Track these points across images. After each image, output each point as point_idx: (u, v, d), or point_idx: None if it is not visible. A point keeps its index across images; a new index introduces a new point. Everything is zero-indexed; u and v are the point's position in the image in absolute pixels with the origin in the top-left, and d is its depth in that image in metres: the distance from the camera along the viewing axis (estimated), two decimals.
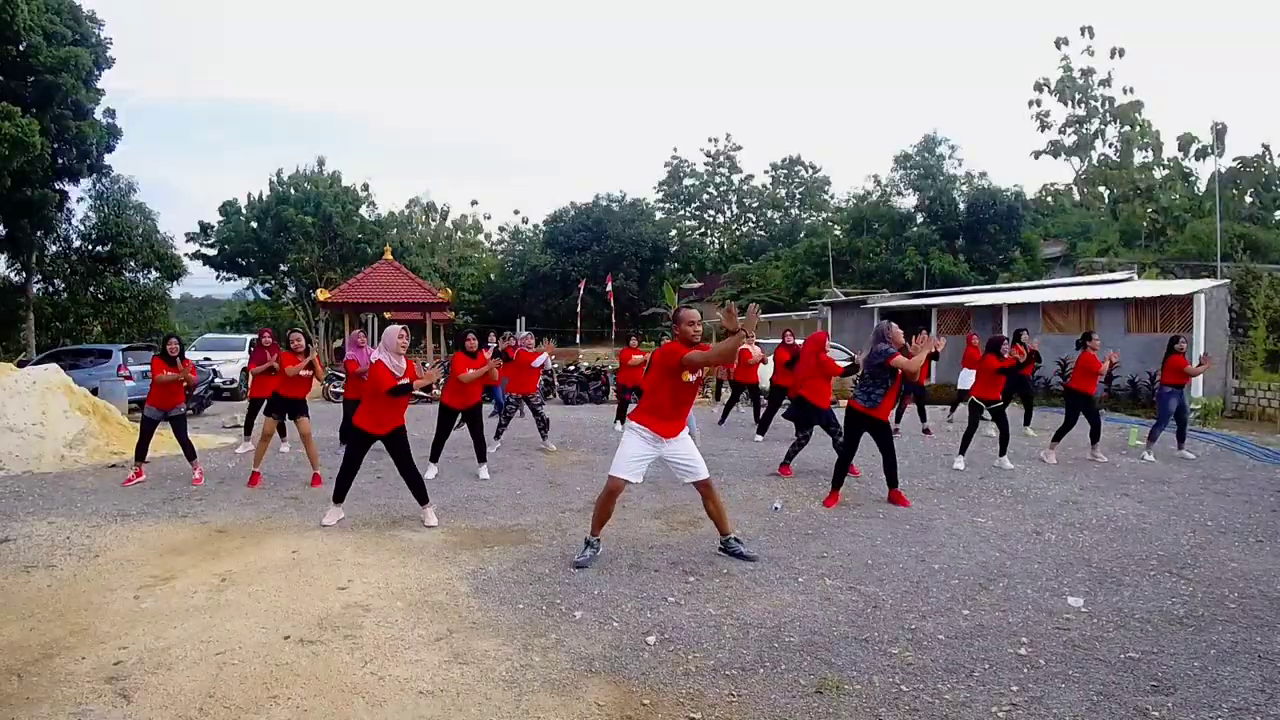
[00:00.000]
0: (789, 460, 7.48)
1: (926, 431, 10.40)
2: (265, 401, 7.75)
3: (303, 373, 7.23)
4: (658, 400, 4.47)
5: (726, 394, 11.97)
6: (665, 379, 4.42)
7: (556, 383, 16.32)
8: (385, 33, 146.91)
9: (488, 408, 11.38)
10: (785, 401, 9.68)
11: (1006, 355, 7.70)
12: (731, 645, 3.39)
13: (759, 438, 9.78)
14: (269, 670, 3.11)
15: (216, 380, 14.44)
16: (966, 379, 9.75)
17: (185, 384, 7.01)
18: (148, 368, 7.88)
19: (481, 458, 7.32)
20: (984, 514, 5.88)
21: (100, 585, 4.15)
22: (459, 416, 7.23)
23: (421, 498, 5.49)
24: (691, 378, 4.41)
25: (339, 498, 5.49)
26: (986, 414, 7.88)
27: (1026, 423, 10.51)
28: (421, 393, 15.34)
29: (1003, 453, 7.89)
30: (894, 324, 6.22)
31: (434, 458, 7.35)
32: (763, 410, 10.37)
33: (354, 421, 5.37)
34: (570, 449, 9.17)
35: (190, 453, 7.09)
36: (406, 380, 5.16)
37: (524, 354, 8.80)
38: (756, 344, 10.92)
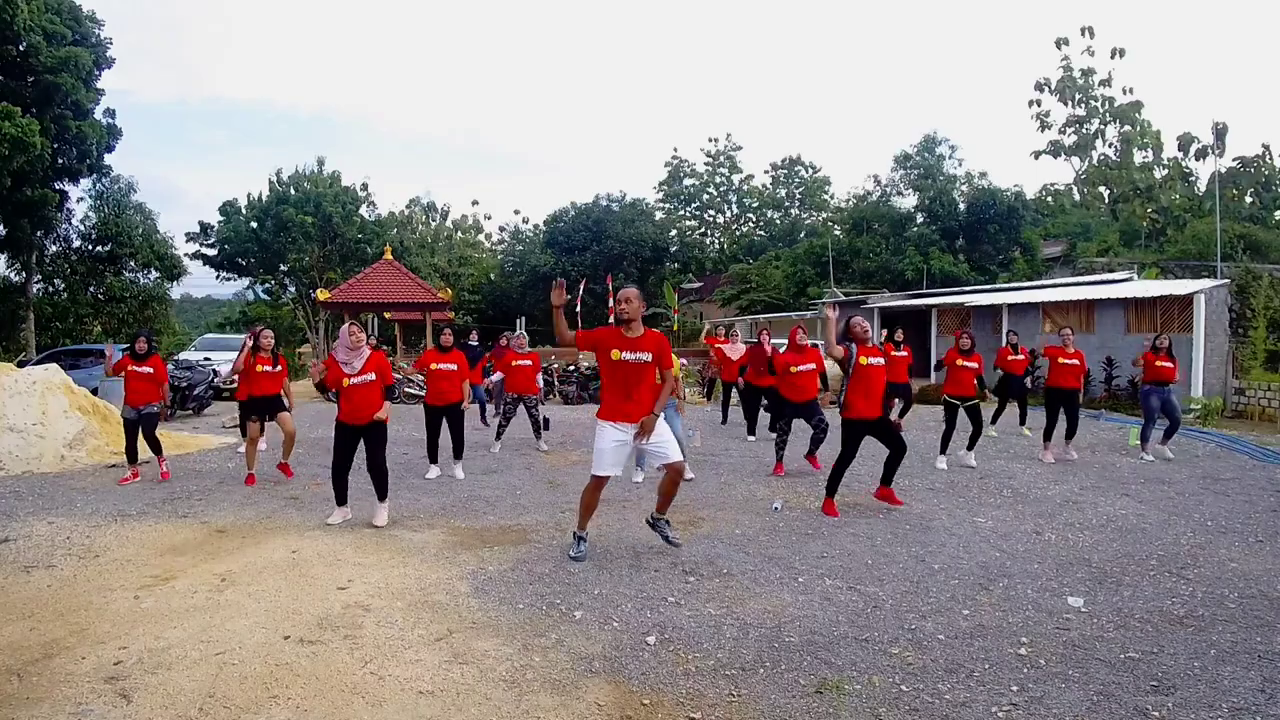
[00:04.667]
0: (779, 458, 7.48)
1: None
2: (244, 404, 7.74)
3: (269, 369, 7.21)
4: (604, 385, 4.59)
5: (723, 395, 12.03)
6: (601, 361, 4.50)
7: (556, 383, 16.32)
8: (385, 33, 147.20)
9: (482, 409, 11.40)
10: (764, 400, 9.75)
11: (974, 353, 7.88)
12: (731, 645, 3.39)
13: (750, 438, 9.83)
14: (269, 670, 3.11)
15: (216, 380, 14.44)
16: None
17: (155, 381, 7.03)
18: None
19: (458, 455, 7.35)
20: (984, 514, 5.88)
21: (100, 585, 4.15)
22: (442, 414, 7.25)
23: (381, 493, 5.52)
24: (625, 355, 4.40)
25: (340, 498, 5.53)
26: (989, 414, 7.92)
27: (1022, 422, 10.50)
28: (414, 391, 15.28)
29: (970, 447, 7.93)
30: (856, 319, 5.81)
31: (432, 459, 7.38)
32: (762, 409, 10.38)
33: (337, 418, 5.47)
34: (570, 449, 9.17)
35: (156, 449, 7.08)
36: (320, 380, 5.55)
37: (510, 354, 8.88)
38: (742, 344, 11.01)
